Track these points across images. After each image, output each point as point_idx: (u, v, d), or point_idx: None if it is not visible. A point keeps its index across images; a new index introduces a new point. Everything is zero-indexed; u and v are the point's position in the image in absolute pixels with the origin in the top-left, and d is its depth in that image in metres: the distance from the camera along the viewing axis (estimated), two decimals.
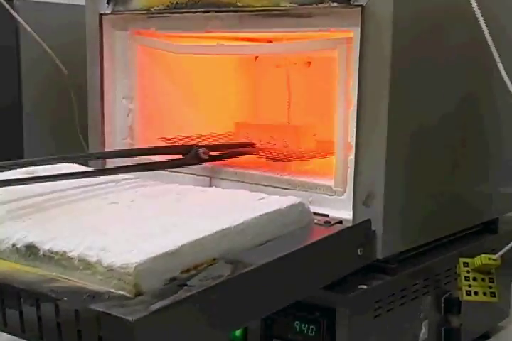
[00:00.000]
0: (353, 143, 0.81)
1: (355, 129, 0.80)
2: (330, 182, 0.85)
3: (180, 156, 0.91)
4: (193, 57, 1.06)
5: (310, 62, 1.15)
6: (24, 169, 0.83)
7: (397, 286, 0.84)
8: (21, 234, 0.67)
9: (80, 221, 0.72)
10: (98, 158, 0.97)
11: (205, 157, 0.91)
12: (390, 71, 0.77)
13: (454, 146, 0.91)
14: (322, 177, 0.88)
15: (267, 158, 0.95)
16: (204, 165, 0.96)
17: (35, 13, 1.19)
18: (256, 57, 1.21)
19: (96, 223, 0.71)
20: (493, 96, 0.97)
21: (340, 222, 0.80)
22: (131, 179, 0.91)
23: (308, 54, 1.11)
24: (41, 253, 0.65)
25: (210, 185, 0.95)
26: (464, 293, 0.86)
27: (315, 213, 0.81)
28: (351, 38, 0.80)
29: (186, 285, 0.60)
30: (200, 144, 0.94)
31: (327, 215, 0.82)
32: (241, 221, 0.70)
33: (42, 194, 0.81)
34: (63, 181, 0.85)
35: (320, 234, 0.76)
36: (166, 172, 0.99)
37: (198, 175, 0.97)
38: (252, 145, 1.00)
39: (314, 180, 0.88)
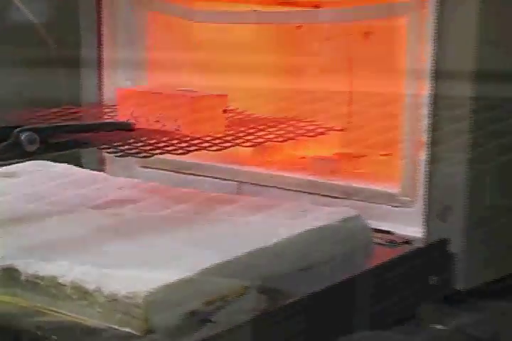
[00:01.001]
0: (426, 139, 0.80)
1: (428, 121, 0.79)
2: (395, 190, 0.86)
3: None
4: (219, 27, 1.06)
5: (369, 33, 1.15)
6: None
7: None
8: None
9: (73, 237, 0.73)
10: None
11: (31, 148, 0.73)
12: (477, 42, 0.76)
13: None
14: (384, 183, 0.88)
15: (144, 151, 0.79)
16: (230, 166, 0.97)
17: None
18: (299, 27, 1.21)
19: (94, 240, 0.72)
20: None
21: (408, 242, 0.81)
22: (139, 183, 0.92)
23: (367, 23, 1.11)
24: (23, 278, 0.65)
25: (239, 193, 0.95)
26: None
27: (375, 230, 0.81)
28: (425, 1, 0.80)
29: (210, 320, 0.61)
30: (30, 126, 0.75)
31: (391, 232, 0.83)
32: (279, 239, 0.71)
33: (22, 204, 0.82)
34: (48, 186, 0.88)
35: (381, 256, 0.76)
36: (183, 175, 1.00)
37: (223, 180, 0.97)
38: (131, 126, 0.83)
39: (374, 187, 0.88)
